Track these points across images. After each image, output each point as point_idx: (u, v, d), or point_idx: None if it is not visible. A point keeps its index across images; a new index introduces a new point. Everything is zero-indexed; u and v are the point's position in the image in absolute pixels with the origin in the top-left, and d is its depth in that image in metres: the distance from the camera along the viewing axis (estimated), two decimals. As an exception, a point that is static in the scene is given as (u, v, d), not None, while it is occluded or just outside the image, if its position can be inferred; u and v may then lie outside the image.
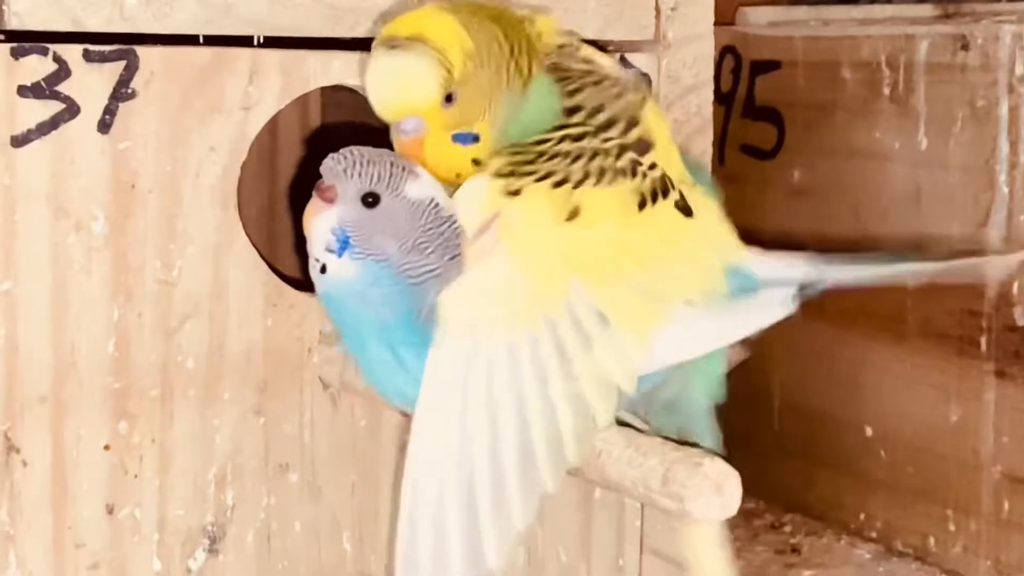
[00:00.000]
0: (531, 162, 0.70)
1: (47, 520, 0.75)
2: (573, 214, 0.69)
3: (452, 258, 0.71)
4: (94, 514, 0.75)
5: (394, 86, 0.71)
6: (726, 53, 1.14)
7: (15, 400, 0.73)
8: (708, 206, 0.75)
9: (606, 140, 0.71)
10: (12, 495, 0.74)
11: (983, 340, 0.95)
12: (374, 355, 0.72)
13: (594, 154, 0.70)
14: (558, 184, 0.69)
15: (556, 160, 0.70)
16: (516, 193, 0.69)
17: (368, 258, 0.70)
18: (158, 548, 0.77)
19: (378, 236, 0.71)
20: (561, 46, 0.75)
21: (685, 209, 0.72)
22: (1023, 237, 0.93)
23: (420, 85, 0.71)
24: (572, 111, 0.72)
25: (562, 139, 0.71)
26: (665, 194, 0.71)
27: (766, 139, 1.11)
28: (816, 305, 1.06)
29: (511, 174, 0.69)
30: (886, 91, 1.02)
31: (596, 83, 0.74)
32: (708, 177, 0.78)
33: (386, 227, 0.71)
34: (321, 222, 0.71)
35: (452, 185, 0.72)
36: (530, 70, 0.72)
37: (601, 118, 0.72)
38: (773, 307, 0.74)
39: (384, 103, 0.71)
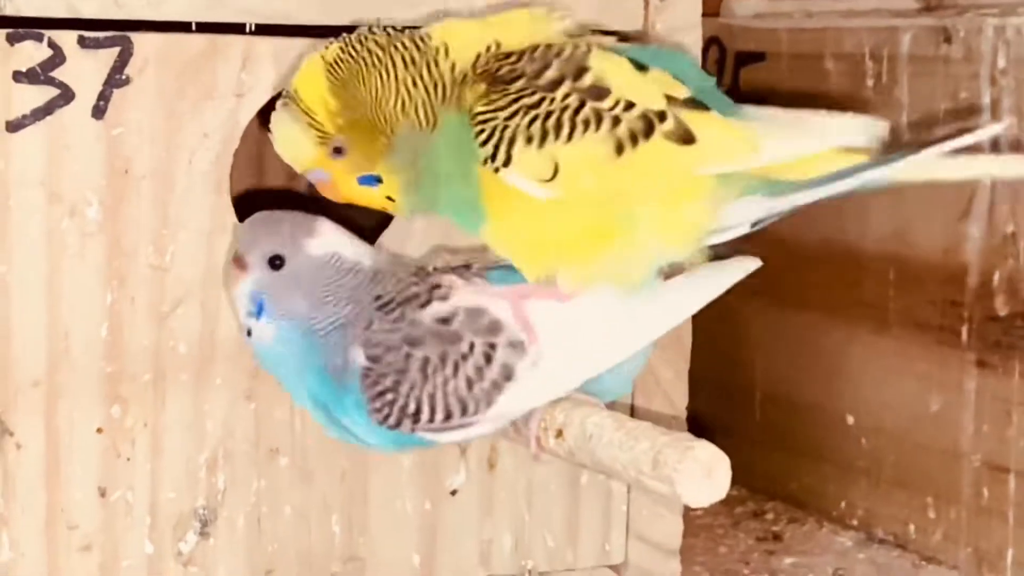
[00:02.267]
0: (503, 130, 0.71)
1: (40, 502, 0.75)
2: (555, 171, 0.70)
3: (356, 307, 0.74)
4: (87, 497, 0.76)
5: (282, 147, 0.75)
6: (711, 44, 1.14)
7: (9, 384, 0.74)
8: (720, 122, 0.74)
9: (562, 96, 0.72)
10: (6, 478, 0.74)
11: (964, 330, 0.96)
12: (309, 408, 0.76)
13: (549, 113, 0.71)
14: (536, 143, 0.71)
15: (521, 126, 0.71)
16: (507, 163, 0.70)
17: (281, 319, 0.74)
18: (150, 531, 0.77)
19: (287, 296, 0.74)
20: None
21: (684, 137, 0.72)
22: (1004, 227, 0.93)
23: (299, 147, 0.74)
24: (511, 80, 0.72)
25: (518, 107, 0.71)
26: (649, 131, 0.72)
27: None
28: (798, 294, 1.08)
29: (496, 149, 0.71)
30: (870, 83, 1.02)
31: (534, 50, 0.74)
32: (718, 93, 0.77)
33: (292, 286, 0.74)
34: (240, 289, 0.75)
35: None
36: (443, 101, 0.74)
37: (548, 76, 0.72)
38: (736, 267, 0.77)
39: (284, 159, 0.75)
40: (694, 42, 0.86)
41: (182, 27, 0.76)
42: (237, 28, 0.77)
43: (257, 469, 0.79)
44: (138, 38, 0.75)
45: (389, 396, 0.74)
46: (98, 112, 0.74)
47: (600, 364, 0.74)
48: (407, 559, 0.83)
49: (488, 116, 0.71)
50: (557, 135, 0.71)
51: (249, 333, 0.75)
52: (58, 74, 0.73)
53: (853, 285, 1.03)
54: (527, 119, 0.71)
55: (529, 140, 0.71)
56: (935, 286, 0.98)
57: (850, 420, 1.05)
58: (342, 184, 0.75)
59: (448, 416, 0.74)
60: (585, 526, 0.87)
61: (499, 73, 0.72)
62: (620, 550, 0.87)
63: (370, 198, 0.75)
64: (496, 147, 0.71)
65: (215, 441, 0.78)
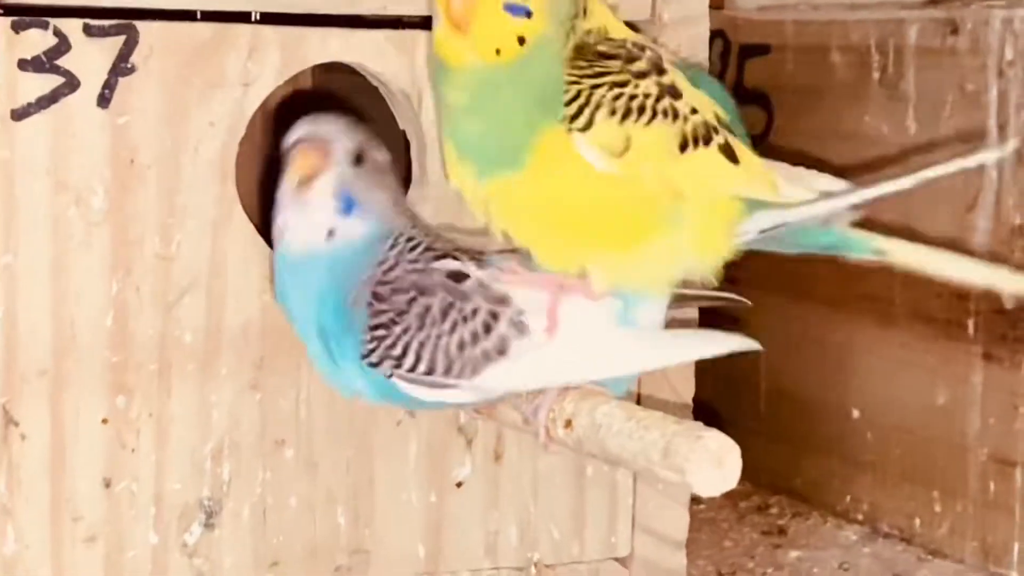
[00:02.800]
0: (590, 96, 0.72)
1: (45, 493, 0.75)
2: (625, 148, 0.70)
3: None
4: (91, 487, 0.76)
5: None
6: (715, 37, 1.14)
7: (14, 373, 0.74)
8: (750, 155, 0.76)
9: (646, 85, 0.73)
10: (11, 468, 0.74)
11: (970, 323, 0.96)
12: (311, 341, 0.75)
13: (634, 95, 0.72)
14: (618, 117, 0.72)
15: (607, 98, 0.72)
16: (587, 128, 0.71)
17: (370, 216, 0.73)
18: (155, 522, 0.77)
19: (374, 191, 0.73)
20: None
21: (730, 155, 0.74)
22: (1011, 221, 0.93)
23: None
24: (609, 57, 0.73)
25: (606, 82, 0.72)
26: (708, 140, 0.73)
27: (755, 123, 1.11)
28: (804, 288, 1.07)
29: (580, 111, 0.71)
30: (876, 75, 1.02)
31: (631, 43, 0.75)
32: (742, 129, 0.80)
33: (376, 183, 0.74)
34: (323, 185, 0.72)
35: (486, 63, 0.71)
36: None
37: (638, 65, 0.73)
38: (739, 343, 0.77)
39: None
40: (701, 32, 0.86)
41: (188, 15, 0.76)
42: (243, 17, 0.77)
43: (262, 460, 0.79)
44: (144, 26, 0.74)
45: (381, 332, 0.73)
46: (103, 101, 0.74)
47: (597, 373, 0.74)
48: (413, 551, 0.83)
49: (580, 80, 0.72)
50: (638, 116, 0.72)
51: (331, 234, 0.73)
52: (63, 62, 0.73)
53: (859, 278, 1.03)
54: (613, 93, 0.72)
55: (612, 112, 0.71)
56: (941, 279, 0.98)
57: (856, 414, 1.05)
58: (486, 5, 0.70)
59: (430, 371, 0.72)
60: (591, 518, 0.86)
61: (600, 49, 0.73)
62: (626, 542, 0.87)
63: (499, 29, 0.70)
64: (580, 109, 0.71)
65: (220, 432, 0.78)
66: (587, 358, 0.73)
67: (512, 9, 0.70)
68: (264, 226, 0.79)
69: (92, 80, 0.74)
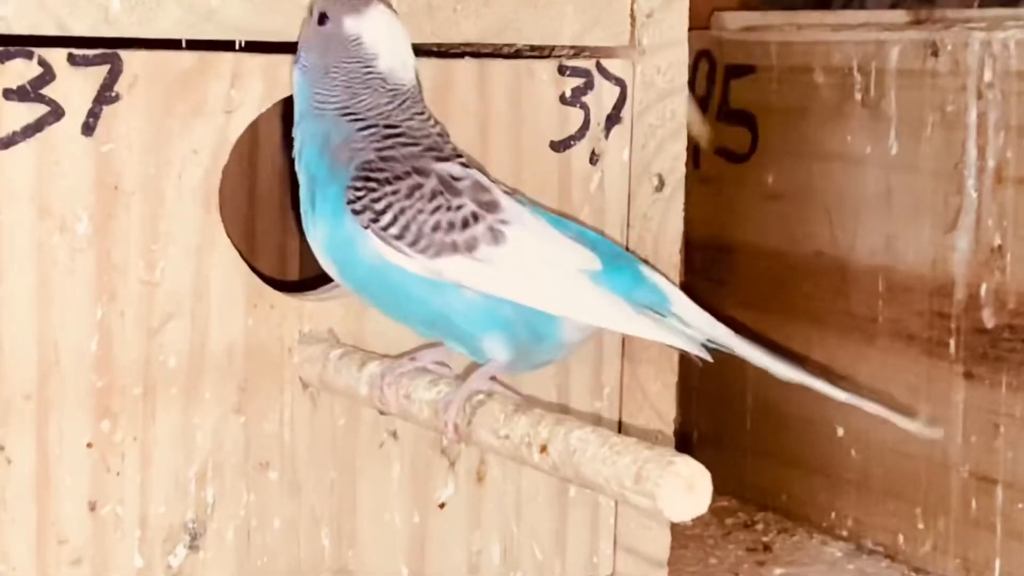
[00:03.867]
0: None
1: (31, 516, 0.76)
2: None
3: (352, 97, 0.77)
4: (77, 510, 0.76)
5: None
6: (701, 57, 1.15)
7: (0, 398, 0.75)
8: None
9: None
10: (-4, 491, 0.75)
11: (952, 342, 0.97)
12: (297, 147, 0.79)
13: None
14: None
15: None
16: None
17: (300, 66, 0.78)
18: (140, 544, 0.78)
19: (312, 51, 0.77)
20: None
21: None
22: (991, 241, 0.94)
23: None
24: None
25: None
26: None
27: (740, 142, 1.12)
28: (788, 306, 1.08)
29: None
30: (858, 96, 1.03)
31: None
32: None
33: (316, 45, 0.77)
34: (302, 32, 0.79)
35: None
36: None
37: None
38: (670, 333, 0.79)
39: None
40: (680, 57, 0.87)
41: (172, 44, 0.77)
42: (227, 45, 0.78)
43: (247, 482, 0.80)
44: (128, 55, 0.75)
45: (372, 184, 0.75)
46: (88, 129, 0.75)
47: (540, 302, 0.75)
48: (396, 571, 0.84)
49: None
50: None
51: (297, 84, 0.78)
52: (48, 91, 0.74)
53: (842, 297, 1.04)
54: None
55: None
56: (923, 298, 0.98)
57: (840, 431, 1.05)
58: None
59: (401, 235, 0.74)
60: (573, 538, 0.87)
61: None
62: (608, 561, 0.88)
63: None
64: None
65: (204, 455, 0.79)
66: (539, 286, 0.75)
67: None
68: (249, 252, 0.80)
69: (77, 109, 0.74)
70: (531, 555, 0.86)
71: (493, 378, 0.76)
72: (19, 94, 0.73)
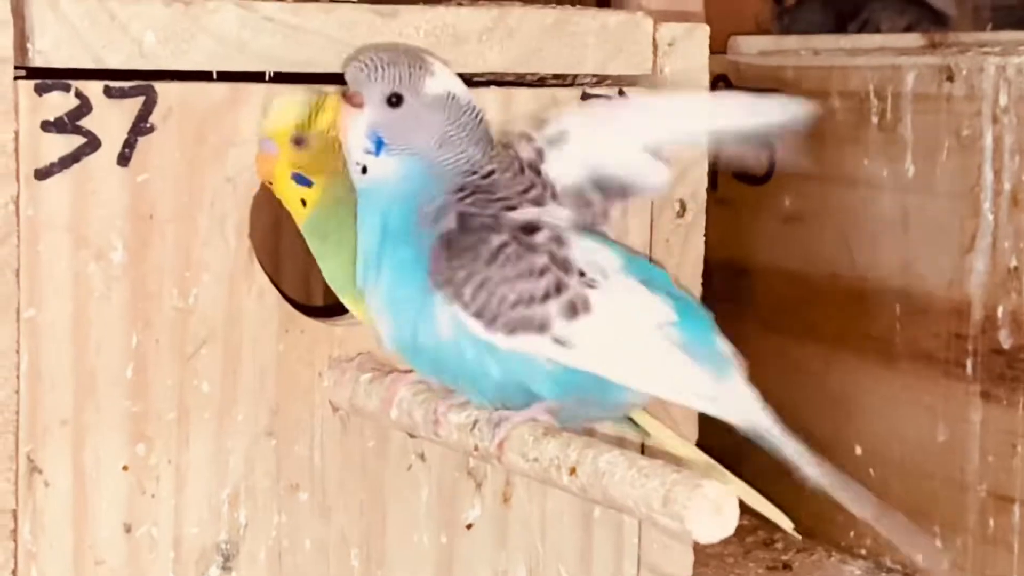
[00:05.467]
0: None
1: (68, 538, 0.77)
2: None
3: (479, 144, 0.76)
4: (113, 532, 0.78)
5: (271, 107, 0.79)
6: (718, 81, 1.16)
7: (38, 423, 0.76)
8: None
9: None
10: (35, 514, 0.76)
11: (969, 363, 0.98)
12: (365, 244, 0.76)
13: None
14: None
15: None
16: None
17: (403, 153, 0.75)
18: (174, 565, 0.79)
19: (409, 134, 0.75)
20: None
21: None
22: (1007, 263, 0.95)
23: (284, 116, 0.78)
24: None
25: None
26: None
27: (758, 165, 1.14)
28: (807, 328, 1.09)
29: None
30: (874, 120, 1.04)
31: None
32: None
33: (413, 125, 0.75)
34: (354, 128, 0.76)
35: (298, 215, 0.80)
36: None
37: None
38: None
39: (263, 118, 0.79)
40: (701, 85, 0.88)
41: (204, 76, 0.78)
42: (257, 76, 0.79)
43: (278, 504, 0.81)
44: (162, 87, 0.77)
45: (453, 251, 0.73)
46: (123, 159, 0.76)
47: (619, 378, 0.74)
48: (424, 591, 0.85)
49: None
50: None
51: (364, 171, 0.76)
52: (85, 123, 0.75)
53: (860, 318, 1.05)
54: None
55: None
56: (940, 319, 1.00)
57: (858, 450, 1.06)
58: (279, 169, 0.78)
59: (480, 313, 0.73)
60: (598, 557, 0.88)
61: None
62: (632, 581, 0.89)
63: (287, 190, 0.79)
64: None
65: (237, 477, 0.80)
66: (620, 361, 0.73)
67: (296, 178, 0.79)
68: (274, 276, 0.81)
69: (113, 140, 0.76)
70: (556, 574, 0.87)
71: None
72: (57, 126, 0.75)
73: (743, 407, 0.77)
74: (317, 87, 0.79)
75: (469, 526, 0.85)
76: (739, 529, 0.74)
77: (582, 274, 0.73)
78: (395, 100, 0.75)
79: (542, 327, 0.73)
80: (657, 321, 0.74)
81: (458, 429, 0.75)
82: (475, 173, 0.76)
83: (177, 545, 0.79)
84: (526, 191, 0.76)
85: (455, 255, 0.74)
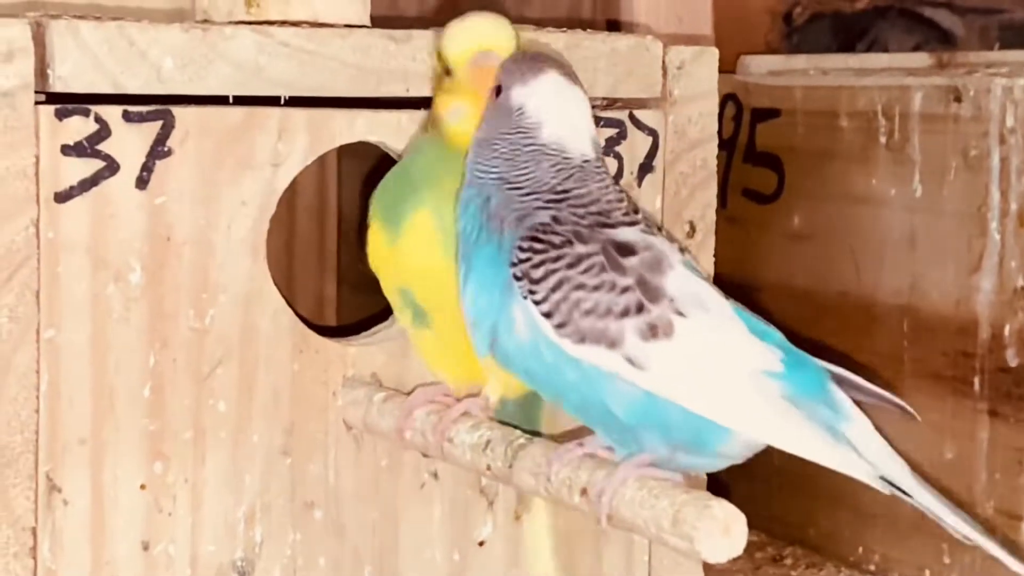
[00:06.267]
0: None
1: (86, 556, 0.78)
2: None
3: (512, 168, 0.75)
4: (130, 550, 0.79)
5: (494, 23, 0.78)
6: (727, 101, 1.17)
7: (57, 442, 0.77)
8: None
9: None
10: (54, 532, 0.77)
11: (976, 381, 0.98)
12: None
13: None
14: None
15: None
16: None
17: (474, 137, 0.77)
18: (191, 582, 0.80)
19: (484, 123, 0.76)
20: None
21: None
22: (1014, 282, 0.96)
23: (509, 32, 0.78)
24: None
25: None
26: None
27: (767, 184, 1.14)
28: (816, 344, 1.10)
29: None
30: (882, 139, 1.05)
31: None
32: None
33: (488, 116, 0.76)
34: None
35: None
36: None
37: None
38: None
39: (472, 36, 0.78)
40: (711, 108, 0.89)
41: (220, 100, 0.79)
42: (273, 100, 0.80)
43: (293, 522, 0.82)
44: (179, 111, 0.78)
45: (537, 247, 0.72)
46: (141, 183, 0.77)
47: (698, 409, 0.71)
48: (437, 608, 0.86)
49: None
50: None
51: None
52: (104, 147, 0.76)
53: (868, 336, 1.06)
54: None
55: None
56: (948, 338, 1.00)
57: (866, 467, 1.07)
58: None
59: (550, 314, 0.71)
60: (608, 574, 0.89)
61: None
62: (642, 597, 0.90)
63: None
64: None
65: (252, 495, 0.81)
66: (703, 390, 0.71)
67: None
68: (287, 296, 0.83)
69: (131, 163, 0.77)
70: (568, 591, 0.88)
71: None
72: (76, 150, 0.76)
73: (863, 464, 0.75)
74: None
75: (481, 543, 0.86)
76: (748, 545, 0.75)
77: (672, 301, 0.72)
78: (497, 91, 0.76)
79: (614, 343, 0.71)
80: (757, 367, 0.72)
81: (471, 449, 0.76)
82: (568, 182, 0.75)
83: (194, 563, 0.80)
84: (626, 214, 0.75)
85: (538, 251, 0.72)
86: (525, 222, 0.73)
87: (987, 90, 0.97)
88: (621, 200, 0.76)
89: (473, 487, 0.86)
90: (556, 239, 0.72)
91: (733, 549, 0.64)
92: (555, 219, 0.73)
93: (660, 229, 0.77)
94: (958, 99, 0.99)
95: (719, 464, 0.76)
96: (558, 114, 0.75)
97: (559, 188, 0.74)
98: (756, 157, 1.15)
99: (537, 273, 0.72)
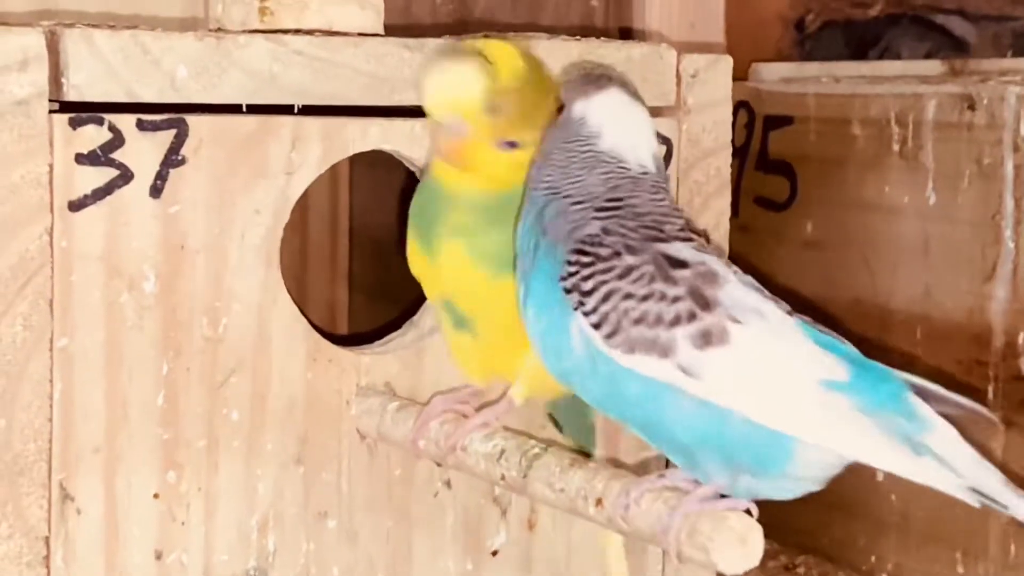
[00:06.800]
0: None
1: (99, 565, 0.78)
2: None
3: (565, 177, 0.75)
4: (144, 559, 0.79)
5: (442, 85, 0.76)
6: (740, 108, 1.17)
7: (70, 451, 0.77)
8: None
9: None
10: (67, 541, 0.77)
11: (990, 389, 0.98)
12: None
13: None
14: None
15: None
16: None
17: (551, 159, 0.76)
18: (204, 592, 0.80)
19: (546, 139, 0.76)
20: None
21: None
22: (1028, 290, 0.96)
23: (466, 89, 0.75)
24: None
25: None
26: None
27: (779, 192, 1.14)
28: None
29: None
30: (895, 147, 1.05)
31: None
32: None
33: (550, 132, 0.76)
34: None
35: (490, 190, 0.77)
36: None
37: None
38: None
39: (433, 100, 0.76)
40: (724, 116, 0.89)
41: (234, 109, 0.79)
42: (286, 109, 0.80)
43: (306, 531, 0.82)
44: (193, 120, 0.78)
45: (585, 259, 0.71)
46: (155, 191, 0.78)
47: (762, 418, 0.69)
48: (450, 617, 0.86)
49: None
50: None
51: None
52: (118, 156, 0.77)
53: (881, 344, 1.06)
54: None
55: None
56: (961, 345, 1.00)
57: (880, 476, 1.06)
58: (474, 147, 0.76)
59: (599, 324, 0.70)
60: (622, 584, 0.89)
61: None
62: (656, 607, 0.90)
63: (491, 169, 0.76)
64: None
65: (266, 504, 0.81)
66: (761, 395, 0.68)
67: (502, 145, 0.76)
68: (300, 305, 0.83)
69: (145, 172, 0.77)
70: (581, 601, 0.88)
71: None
72: (90, 158, 0.76)
73: (948, 475, 0.72)
74: (461, 45, 0.78)
75: (494, 552, 0.86)
76: (762, 553, 0.75)
77: (727, 309, 0.70)
78: (560, 108, 0.76)
79: (665, 351, 0.69)
80: (821, 376, 0.69)
81: (485, 458, 0.76)
82: (619, 191, 0.74)
83: (207, 572, 0.80)
84: (681, 230, 0.74)
85: (586, 264, 0.71)
86: (575, 234, 0.73)
87: (1001, 98, 0.97)
88: (679, 216, 0.75)
89: (486, 496, 0.86)
90: (604, 251, 0.71)
91: (749, 560, 0.64)
92: (604, 230, 0.72)
93: (715, 249, 0.76)
94: (971, 107, 0.99)
95: (793, 489, 0.72)
96: (618, 126, 0.75)
97: (610, 197, 0.74)
98: (768, 165, 1.15)
99: (587, 285, 0.71)
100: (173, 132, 0.78)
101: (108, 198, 0.77)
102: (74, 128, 0.76)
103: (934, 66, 1.13)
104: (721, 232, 0.91)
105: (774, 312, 0.72)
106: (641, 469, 0.87)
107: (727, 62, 0.89)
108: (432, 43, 0.82)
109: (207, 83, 0.78)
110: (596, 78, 0.77)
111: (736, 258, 0.94)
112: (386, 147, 0.83)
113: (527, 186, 0.76)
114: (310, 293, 1.08)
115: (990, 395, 0.98)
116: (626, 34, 1.27)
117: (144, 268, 0.78)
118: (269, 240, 0.80)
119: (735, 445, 0.69)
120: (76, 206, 0.76)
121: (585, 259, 0.71)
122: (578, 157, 0.75)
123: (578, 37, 0.88)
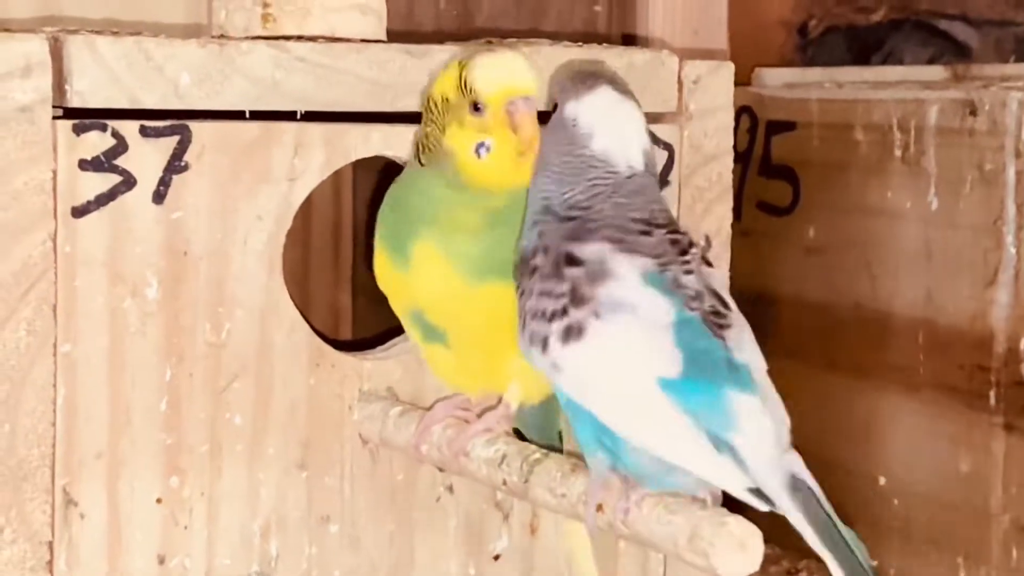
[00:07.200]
0: None
1: (103, 570, 0.78)
2: None
3: (562, 184, 0.75)
4: (147, 564, 0.79)
5: (526, 64, 0.76)
6: (742, 113, 1.17)
7: (73, 456, 0.77)
8: None
9: None
10: (70, 546, 0.77)
11: (992, 394, 0.98)
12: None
13: None
14: None
15: None
16: None
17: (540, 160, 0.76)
18: (207, 596, 0.81)
19: (543, 141, 0.76)
20: None
21: None
22: (1030, 295, 0.96)
23: (536, 74, 0.76)
24: None
25: None
26: None
27: (782, 197, 1.14)
28: (830, 358, 1.10)
29: None
30: (898, 153, 1.05)
31: None
32: None
33: (547, 133, 0.76)
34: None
35: (504, 188, 0.76)
36: None
37: None
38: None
39: (517, 71, 0.75)
40: (726, 122, 0.89)
41: (237, 115, 0.79)
42: (289, 115, 0.80)
43: (309, 536, 0.82)
44: (196, 126, 0.78)
45: (521, 268, 0.75)
46: (158, 197, 0.78)
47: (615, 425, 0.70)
48: (452, 621, 0.86)
49: None
50: None
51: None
52: (121, 162, 0.77)
53: (883, 349, 1.06)
54: None
55: None
56: (963, 351, 1.00)
57: (882, 481, 1.07)
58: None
59: (520, 321, 0.74)
60: (623, 589, 0.89)
61: None
62: (658, 611, 0.90)
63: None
64: None
65: (268, 509, 0.81)
66: (599, 394, 0.70)
67: None
68: (303, 310, 0.83)
69: (148, 178, 0.77)
70: (583, 605, 0.88)
71: None
72: (93, 164, 0.76)
73: (738, 476, 0.70)
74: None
75: (497, 557, 0.87)
76: (764, 557, 0.75)
77: (597, 305, 0.71)
78: (554, 107, 0.77)
79: (544, 346, 0.72)
80: (653, 371, 0.70)
81: (487, 464, 0.77)
82: (591, 204, 0.74)
83: (210, 576, 0.81)
84: (647, 224, 0.74)
85: (518, 266, 0.75)
86: (528, 236, 0.75)
87: (1003, 103, 0.98)
88: (654, 212, 0.75)
89: (488, 501, 0.86)
90: (529, 254, 0.74)
91: (749, 565, 0.64)
92: (540, 234, 0.74)
93: (692, 244, 0.76)
94: (973, 112, 0.99)
95: (677, 483, 0.70)
96: (609, 125, 0.76)
97: (584, 205, 0.74)
98: (771, 170, 1.15)
99: (520, 287, 0.74)
100: (176, 138, 0.78)
101: (111, 204, 0.77)
102: (77, 134, 0.76)
103: (936, 71, 1.14)
104: (723, 237, 0.91)
105: (659, 309, 0.71)
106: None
107: (729, 68, 0.89)
108: (435, 50, 0.83)
109: (210, 89, 0.78)
110: (585, 77, 0.77)
111: (738, 263, 0.94)
112: (388, 153, 0.83)
113: (530, 193, 0.77)
114: (313, 298, 1.08)
115: (992, 400, 0.98)
116: (629, 40, 1.27)
117: (147, 274, 0.78)
118: (272, 246, 0.80)
119: (603, 439, 0.71)
120: (79, 212, 0.76)
121: (520, 264, 0.75)
122: (572, 162, 0.75)
123: (581, 43, 0.88)
